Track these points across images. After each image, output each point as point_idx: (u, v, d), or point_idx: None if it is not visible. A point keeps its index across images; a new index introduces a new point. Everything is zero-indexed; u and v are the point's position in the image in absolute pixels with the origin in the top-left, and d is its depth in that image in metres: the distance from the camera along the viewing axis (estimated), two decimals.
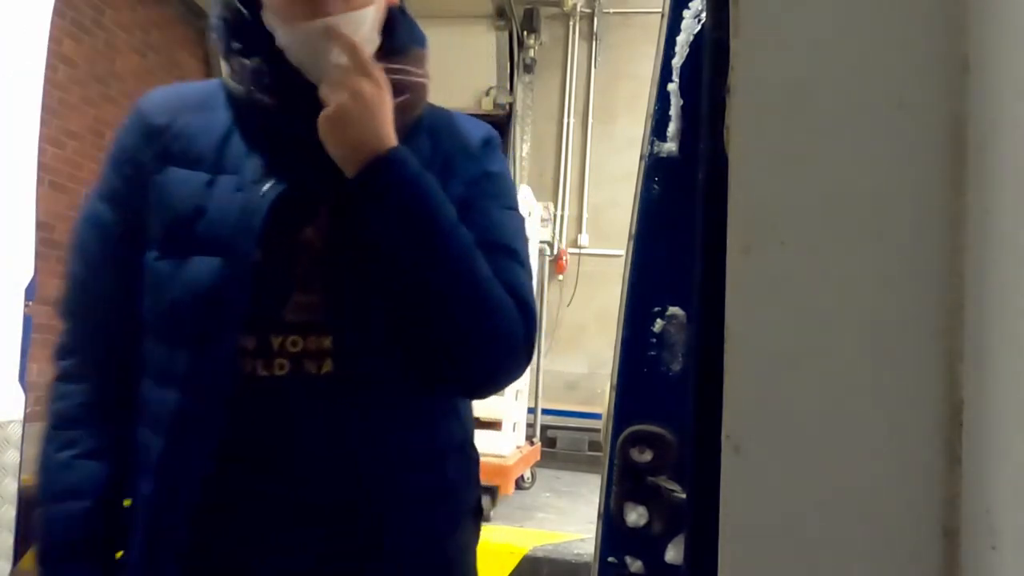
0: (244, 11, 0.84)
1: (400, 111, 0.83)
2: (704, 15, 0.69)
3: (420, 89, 0.89)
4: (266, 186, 0.81)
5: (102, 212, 0.91)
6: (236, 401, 0.79)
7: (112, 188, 0.90)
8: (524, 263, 0.91)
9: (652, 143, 0.77)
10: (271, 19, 0.82)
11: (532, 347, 0.88)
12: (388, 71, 0.83)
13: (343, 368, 0.81)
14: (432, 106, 0.95)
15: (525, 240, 0.95)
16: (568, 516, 3.41)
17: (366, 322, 0.83)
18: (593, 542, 0.76)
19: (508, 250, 0.89)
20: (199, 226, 0.80)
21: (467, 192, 0.89)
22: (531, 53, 5.62)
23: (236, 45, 0.85)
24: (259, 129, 0.85)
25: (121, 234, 0.88)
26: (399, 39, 0.87)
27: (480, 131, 0.96)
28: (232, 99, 0.86)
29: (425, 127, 0.91)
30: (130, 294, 0.84)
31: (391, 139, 0.80)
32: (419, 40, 0.91)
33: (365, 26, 0.83)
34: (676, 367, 0.75)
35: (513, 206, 0.95)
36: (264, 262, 0.80)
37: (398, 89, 0.83)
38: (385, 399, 0.84)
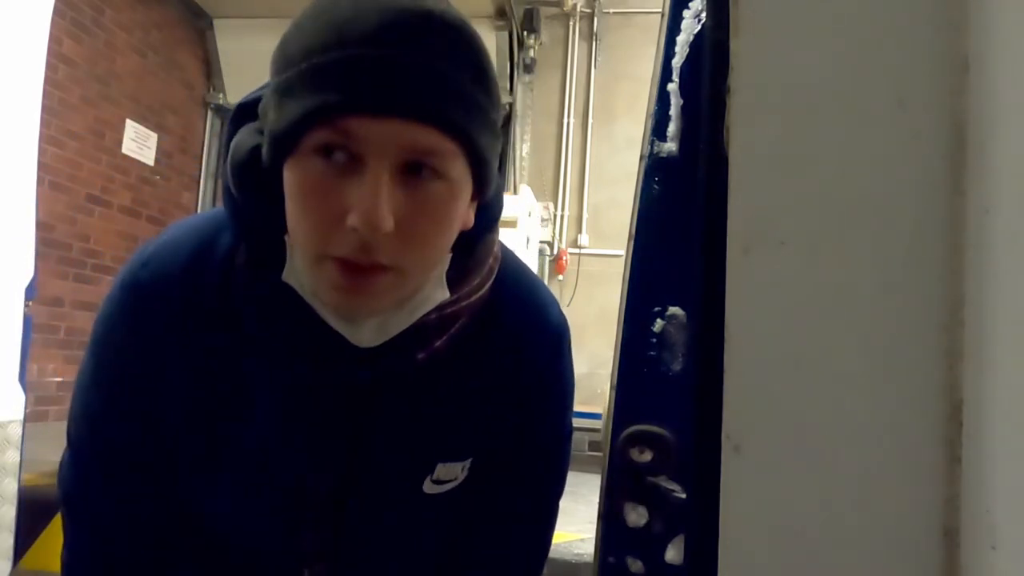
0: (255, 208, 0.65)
1: (451, 339, 0.70)
2: (704, 15, 0.69)
3: (480, 301, 0.72)
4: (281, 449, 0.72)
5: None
6: None
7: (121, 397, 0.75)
8: (539, 528, 0.85)
9: (652, 143, 0.77)
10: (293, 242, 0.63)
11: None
12: (442, 309, 0.68)
13: None
14: (506, 295, 0.75)
15: (548, 496, 0.85)
16: (568, 516, 3.40)
17: (375, 559, 0.81)
18: (593, 542, 0.76)
19: (520, 519, 0.83)
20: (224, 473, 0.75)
21: (504, 447, 0.78)
22: (531, 53, 5.61)
23: (244, 232, 0.67)
24: (265, 361, 0.71)
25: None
26: (461, 270, 0.69)
27: (543, 345, 0.78)
28: (233, 304, 0.70)
29: (473, 344, 0.73)
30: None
31: None
32: (487, 228, 0.71)
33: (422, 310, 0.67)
34: (676, 367, 0.75)
35: (551, 464, 0.84)
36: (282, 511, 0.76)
37: (443, 325, 0.69)
38: None
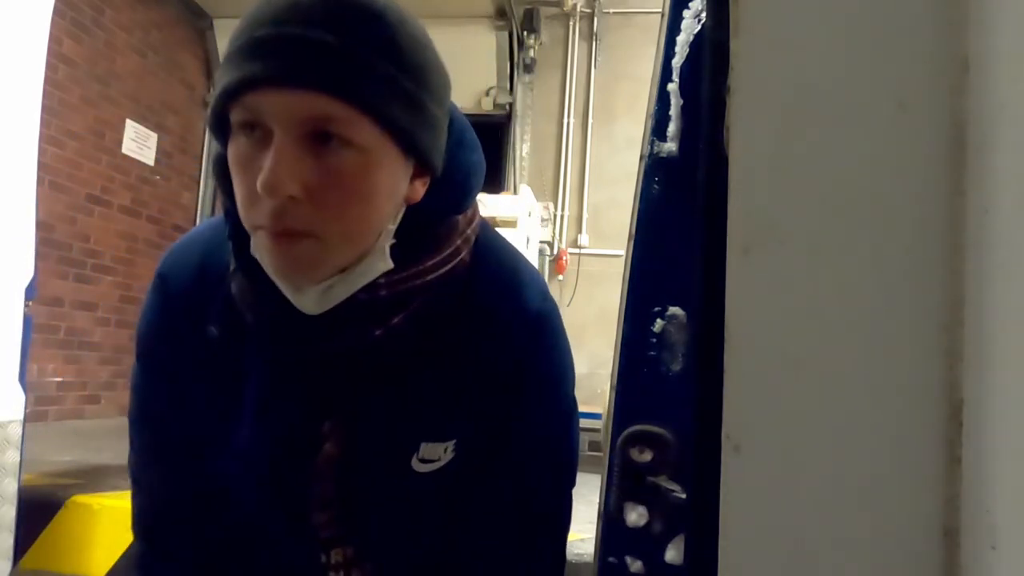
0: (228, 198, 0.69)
1: (413, 317, 0.71)
2: (704, 15, 0.69)
3: (442, 281, 0.72)
4: (270, 428, 0.76)
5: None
6: None
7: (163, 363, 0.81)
8: (539, 531, 0.82)
9: (652, 143, 0.77)
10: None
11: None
12: (393, 285, 0.69)
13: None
14: (481, 277, 0.75)
15: (548, 491, 0.83)
16: None
17: (387, 532, 0.83)
18: (593, 542, 0.76)
19: (514, 513, 0.82)
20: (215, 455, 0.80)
21: (486, 432, 0.78)
22: (531, 53, 5.61)
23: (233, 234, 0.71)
24: (253, 349, 0.75)
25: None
26: (412, 245, 0.70)
27: (520, 328, 0.77)
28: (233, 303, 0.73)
29: (450, 325, 0.74)
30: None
31: None
32: (447, 208, 0.73)
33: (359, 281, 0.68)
34: (676, 367, 0.75)
35: (543, 455, 0.82)
36: (282, 493, 0.80)
37: (397, 302, 0.69)
38: None
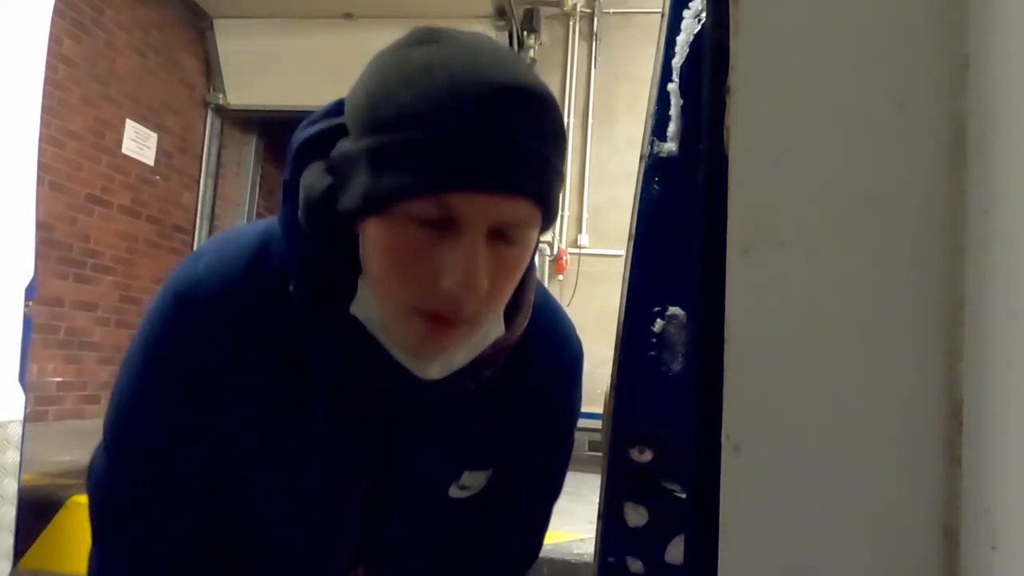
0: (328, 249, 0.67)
1: (487, 375, 0.74)
2: (704, 15, 0.69)
3: (518, 337, 0.76)
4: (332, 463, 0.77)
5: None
6: None
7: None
8: (536, 527, 0.94)
9: (652, 143, 0.77)
10: (369, 289, 0.67)
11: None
12: (496, 344, 0.72)
13: None
14: (537, 326, 0.79)
15: (546, 499, 0.94)
16: (568, 516, 3.40)
17: (402, 563, 0.86)
18: (593, 542, 0.76)
19: (541, 519, 0.93)
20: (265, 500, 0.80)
21: (522, 459, 0.85)
22: (531, 53, 5.61)
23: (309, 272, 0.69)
24: (320, 381, 0.74)
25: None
26: (515, 307, 0.73)
27: (564, 373, 0.86)
28: (287, 328, 0.72)
29: (509, 369, 0.78)
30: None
31: None
32: (531, 276, 0.77)
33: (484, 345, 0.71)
34: (676, 367, 0.75)
35: (557, 473, 0.92)
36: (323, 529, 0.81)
37: (494, 359, 0.73)
38: None
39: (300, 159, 0.69)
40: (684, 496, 0.70)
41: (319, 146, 0.67)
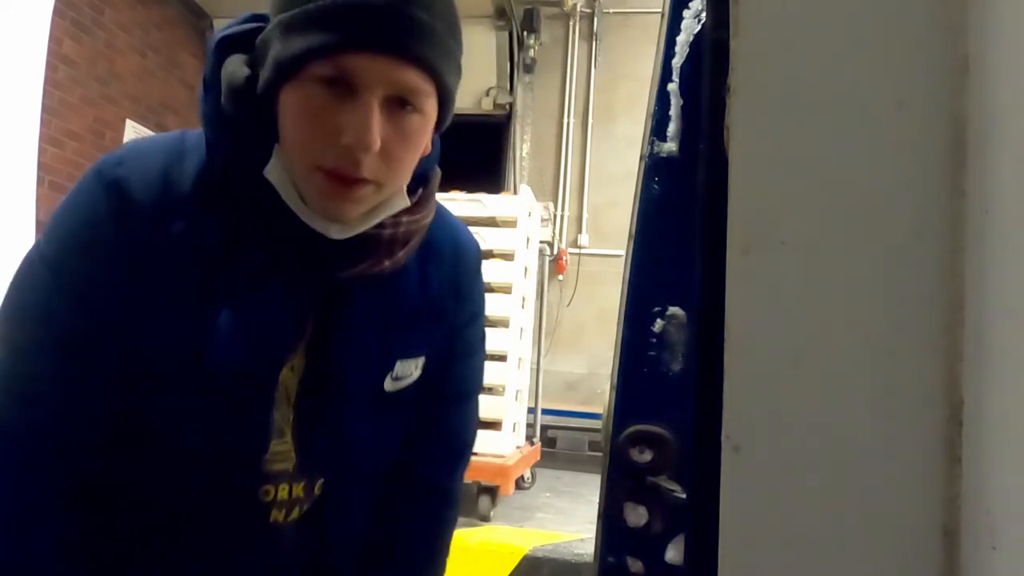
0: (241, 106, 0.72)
1: (400, 255, 0.80)
2: (704, 15, 0.69)
3: (425, 225, 0.83)
4: (258, 328, 0.76)
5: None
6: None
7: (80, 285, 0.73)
8: (477, 399, 1.02)
9: (652, 143, 0.77)
10: (281, 154, 0.72)
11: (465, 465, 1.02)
12: (400, 226, 0.77)
13: (312, 515, 0.84)
14: (441, 219, 0.89)
15: (482, 372, 1.03)
16: (568, 516, 3.41)
17: (339, 467, 0.84)
18: (593, 542, 0.76)
19: (469, 396, 1.00)
20: (194, 366, 0.75)
21: (449, 342, 0.91)
22: (531, 53, 5.61)
23: (226, 139, 0.73)
24: (239, 250, 0.75)
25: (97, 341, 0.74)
26: (424, 194, 0.81)
27: (472, 257, 0.95)
28: (212, 201, 0.74)
29: (422, 259, 0.86)
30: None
31: None
32: (435, 160, 0.84)
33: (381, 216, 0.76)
34: (676, 367, 0.75)
35: (482, 346, 1.01)
36: (249, 408, 0.77)
37: (406, 239, 0.79)
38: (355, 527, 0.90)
39: (220, 54, 0.75)
40: (684, 496, 0.70)
41: (238, 46, 0.75)
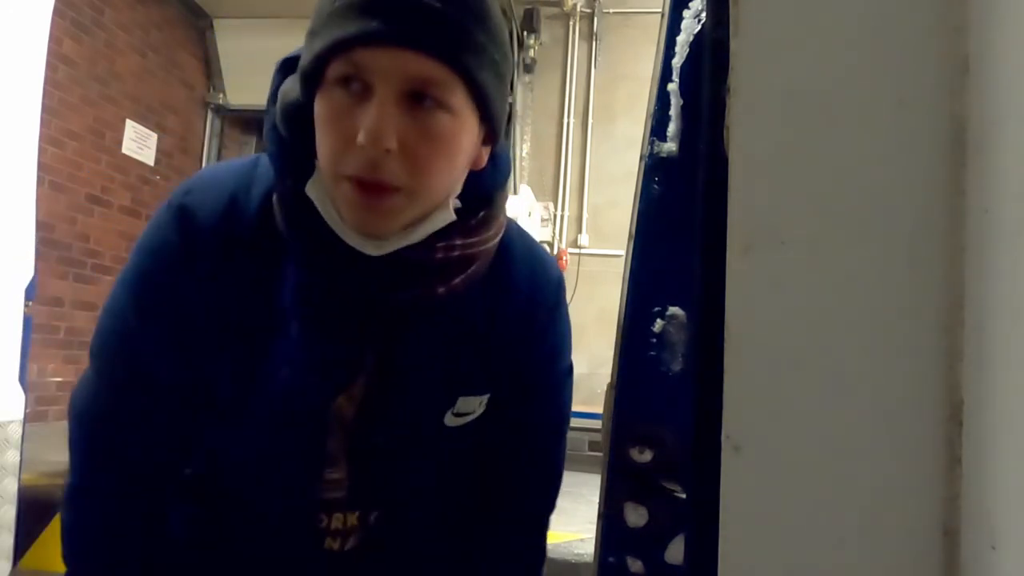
0: (287, 132, 0.71)
1: (457, 282, 0.75)
2: (704, 15, 0.69)
3: (490, 250, 0.78)
4: (313, 356, 0.75)
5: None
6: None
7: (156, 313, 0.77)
8: (565, 433, 0.95)
9: (652, 143, 0.77)
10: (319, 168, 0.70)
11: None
12: (454, 249, 0.72)
13: (368, 546, 0.83)
14: (504, 245, 0.81)
15: (569, 403, 0.95)
16: (568, 516, 3.40)
17: (394, 499, 0.84)
18: (593, 542, 0.76)
19: (559, 430, 0.93)
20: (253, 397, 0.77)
21: (524, 382, 0.86)
22: (531, 53, 5.61)
23: (284, 170, 0.72)
24: (304, 281, 0.75)
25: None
26: (478, 211, 0.74)
27: (550, 293, 0.87)
28: (271, 226, 0.73)
29: (491, 290, 0.80)
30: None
31: None
32: (502, 182, 0.79)
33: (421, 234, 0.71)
34: (676, 367, 0.75)
35: (565, 385, 0.93)
36: (302, 437, 0.78)
37: (462, 264, 0.74)
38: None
39: (281, 76, 0.74)
40: (684, 496, 0.70)
41: (297, 64, 0.72)
